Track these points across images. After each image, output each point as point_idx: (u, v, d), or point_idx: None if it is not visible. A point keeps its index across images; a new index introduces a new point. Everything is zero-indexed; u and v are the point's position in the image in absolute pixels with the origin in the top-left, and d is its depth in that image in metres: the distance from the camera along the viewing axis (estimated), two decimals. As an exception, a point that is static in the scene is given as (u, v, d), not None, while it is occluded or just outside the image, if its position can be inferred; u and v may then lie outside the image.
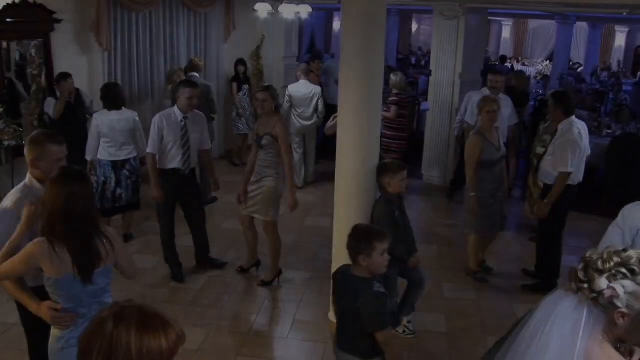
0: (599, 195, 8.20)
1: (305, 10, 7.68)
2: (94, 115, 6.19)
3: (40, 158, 3.13)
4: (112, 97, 6.15)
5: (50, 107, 6.84)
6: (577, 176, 5.52)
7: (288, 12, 7.67)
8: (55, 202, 2.77)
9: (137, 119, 6.34)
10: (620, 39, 20.17)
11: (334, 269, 4.78)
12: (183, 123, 5.41)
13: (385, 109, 7.48)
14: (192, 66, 8.14)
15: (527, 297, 5.60)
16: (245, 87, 9.34)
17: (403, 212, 4.73)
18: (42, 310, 2.91)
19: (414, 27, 23.20)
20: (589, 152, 5.64)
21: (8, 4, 6.69)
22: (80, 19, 7.53)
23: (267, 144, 5.41)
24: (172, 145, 5.39)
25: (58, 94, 6.84)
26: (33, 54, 7.21)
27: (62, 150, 3.19)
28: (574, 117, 5.49)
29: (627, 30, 19.99)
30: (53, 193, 2.79)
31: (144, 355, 1.44)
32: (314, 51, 12.94)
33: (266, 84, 6.56)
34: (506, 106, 6.94)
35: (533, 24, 20.46)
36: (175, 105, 5.44)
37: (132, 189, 6.36)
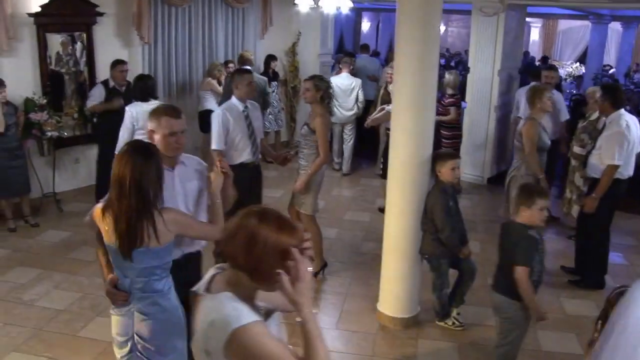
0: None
1: (346, 5, 7.65)
2: (127, 108, 6.01)
3: (156, 130, 3.13)
4: (141, 88, 6.06)
5: (93, 98, 6.90)
6: (627, 170, 5.43)
7: (328, 6, 7.64)
8: (114, 170, 2.77)
9: None
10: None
11: (385, 259, 4.80)
12: (245, 113, 5.20)
13: (441, 109, 7.48)
14: (243, 60, 8.20)
15: (574, 292, 5.54)
16: (275, 83, 9.34)
17: (456, 202, 4.69)
18: (105, 281, 3.01)
19: (442, 28, 23.07)
20: (639, 148, 5.52)
21: (54, -3, 6.78)
22: (122, 12, 7.61)
23: (305, 134, 5.39)
24: (239, 138, 5.13)
25: (111, 82, 6.89)
26: (75, 47, 7.29)
27: (178, 124, 3.14)
28: (622, 110, 5.40)
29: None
30: (116, 160, 2.80)
31: (271, 247, 1.79)
32: (344, 50, 12.97)
33: (317, 74, 6.49)
34: (559, 102, 6.98)
35: (562, 25, 20.23)
36: (233, 97, 5.25)
37: None
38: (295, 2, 8.01)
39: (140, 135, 5.97)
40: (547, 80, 7.01)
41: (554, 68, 7.71)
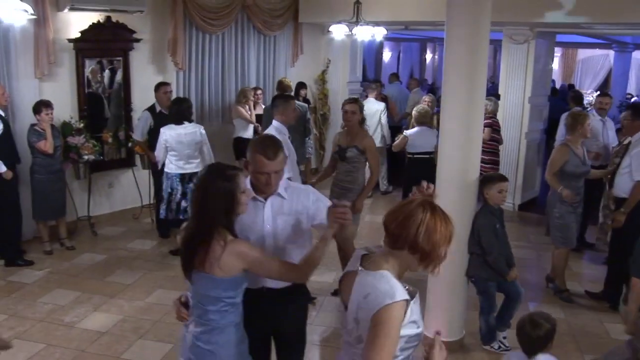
0: None
1: (380, 33, 7.72)
2: (161, 130, 6.22)
3: (250, 163, 2.94)
4: (176, 112, 6.24)
5: (139, 128, 6.94)
6: None
7: (363, 35, 7.71)
8: (193, 192, 2.78)
9: (203, 132, 6.39)
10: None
11: (430, 281, 4.75)
12: (291, 138, 5.31)
13: None
14: (282, 86, 8.31)
15: (617, 317, 5.43)
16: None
17: (502, 225, 4.65)
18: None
19: (428, 56, 23.31)
20: None
21: (94, 23, 6.90)
22: (157, 39, 7.73)
23: (353, 156, 5.40)
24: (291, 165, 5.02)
25: (157, 106, 6.94)
26: (113, 72, 7.39)
27: (269, 165, 2.85)
28: None
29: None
30: (196, 183, 2.81)
31: (444, 235, 2.12)
32: (370, 78, 13.15)
33: (354, 96, 6.60)
34: (612, 128, 7.06)
35: (582, 54, 20.29)
36: (274, 123, 5.26)
37: None
38: (330, 29, 8.08)
39: (172, 156, 6.21)
40: (601, 106, 7.06)
41: (608, 95, 7.71)
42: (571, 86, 15.82)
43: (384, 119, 9.02)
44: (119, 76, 7.41)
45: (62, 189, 6.46)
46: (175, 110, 6.27)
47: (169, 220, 6.45)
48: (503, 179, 4.69)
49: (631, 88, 18.07)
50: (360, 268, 2.23)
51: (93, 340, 4.74)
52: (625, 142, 6.20)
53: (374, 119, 8.84)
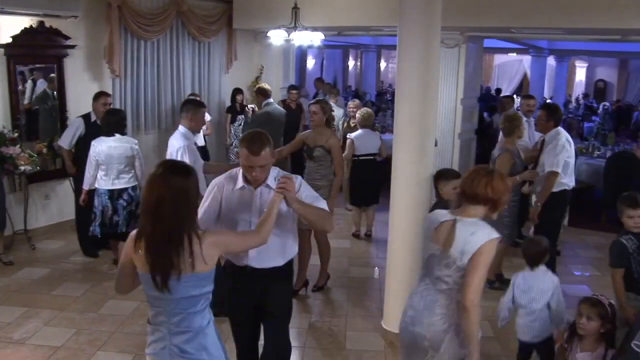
0: (598, 212, 8.53)
1: (318, 38, 7.81)
2: (92, 142, 5.88)
3: (240, 156, 3.20)
4: (107, 123, 5.93)
5: (68, 136, 6.59)
6: (571, 180, 5.86)
7: (300, 39, 7.77)
8: (145, 194, 2.59)
9: (136, 146, 6.02)
10: (580, 74, 21.22)
11: (390, 275, 4.87)
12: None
13: None
14: (264, 91, 8.20)
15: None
16: (241, 117, 9.38)
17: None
18: None
19: (382, 65, 23.79)
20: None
21: (26, 28, 6.65)
22: (93, 45, 7.51)
23: (320, 155, 5.58)
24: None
25: (93, 116, 6.56)
26: (46, 80, 7.13)
27: (255, 160, 3.09)
28: (560, 127, 5.86)
29: (586, 65, 21.06)
30: (148, 183, 2.59)
31: (504, 187, 2.99)
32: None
33: (318, 98, 6.69)
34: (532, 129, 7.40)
35: (498, 60, 21.29)
36: (180, 129, 5.17)
37: (127, 218, 5.97)
38: (267, 35, 8.10)
39: (102, 171, 5.88)
40: (528, 108, 7.43)
41: (533, 97, 8.09)
42: (499, 90, 16.52)
43: (340, 126, 9.00)
44: (53, 84, 7.15)
45: (1, 201, 6.16)
46: (107, 122, 5.92)
47: (106, 234, 6.06)
48: (458, 176, 4.85)
49: (546, 92, 19.14)
50: (457, 217, 2.97)
51: (48, 355, 4.55)
52: (540, 139, 6.59)
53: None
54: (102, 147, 5.83)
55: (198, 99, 7.62)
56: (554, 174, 5.63)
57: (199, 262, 2.56)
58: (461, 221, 2.96)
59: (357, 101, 9.09)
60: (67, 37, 7.06)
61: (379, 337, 4.94)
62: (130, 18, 7.64)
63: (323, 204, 3.29)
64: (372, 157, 7.30)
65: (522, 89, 19.83)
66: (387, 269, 4.95)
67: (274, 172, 3.27)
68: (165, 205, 2.49)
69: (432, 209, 4.73)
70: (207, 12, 9.03)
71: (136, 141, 6.11)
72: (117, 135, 5.90)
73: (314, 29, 7.76)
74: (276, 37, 7.77)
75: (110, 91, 7.63)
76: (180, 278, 2.54)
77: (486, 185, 2.92)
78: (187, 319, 2.64)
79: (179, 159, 4.72)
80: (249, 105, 9.42)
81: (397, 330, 4.73)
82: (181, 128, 5.14)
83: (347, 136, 7.51)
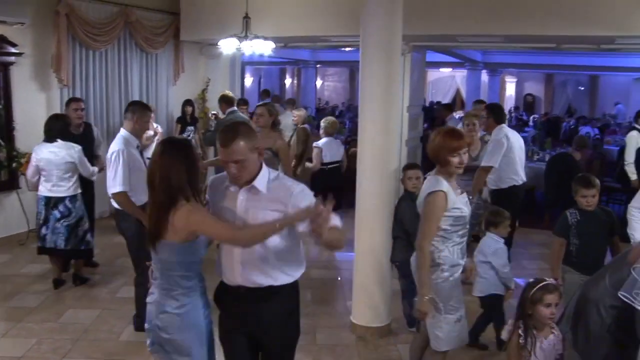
0: (541, 212, 8.94)
1: (269, 47, 7.89)
2: (34, 148, 5.71)
3: None
4: (49, 129, 5.67)
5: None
6: (519, 175, 6.20)
7: (251, 48, 7.81)
8: (149, 169, 2.86)
9: (77, 154, 5.67)
10: (510, 89, 22.20)
11: (358, 269, 4.97)
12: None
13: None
14: (228, 99, 8.11)
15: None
16: (191, 128, 9.35)
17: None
18: None
19: (288, 81, 24.29)
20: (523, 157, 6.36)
21: (-31, 34, 6.46)
22: (40, 53, 7.36)
23: (267, 158, 5.52)
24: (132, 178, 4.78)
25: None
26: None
27: (225, 153, 2.72)
28: (503, 125, 6.14)
29: (515, 80, 22.06)
30: (151, 160, 2.89)
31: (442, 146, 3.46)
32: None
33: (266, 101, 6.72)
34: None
35: (432, 76, 21.99)
36: (122, 132, 4.80)
37: (65, 233, 5.66)
38: (218, 44, 8.10)
39: (43, 177, 5.63)
40: (478, 113, 7.70)
41: (483, 101, 8.38)
42: (438, 103, 17.02)
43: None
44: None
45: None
46: (49, 127, 5.68)
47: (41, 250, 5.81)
48: (413, 166, 5.08)
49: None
50: (428, 174, 3.62)
51: (9, 365, 4.40)
52: (486, 138, 6.91)
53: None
54: (43, 152, 5.60)
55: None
56: (484, 169, 5.92)
57: (169, 231, 2.74)
58: (427, 177, 3.63)
59: (302, 110, 9.22)
60: (13, 45, 6.89)
61: (348, 332, 5.02)
62: (78, 27, 7.54)
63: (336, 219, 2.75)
64: (337, 165, 7.42)
65: (455, 103, 20.52)
66: (354, 263, 5.04)
67: (267, 174, 2.83)
68: (155, 177, 2.76)
69: (399, 202, 4.91)
70: (155, 23, 9.00)
71: (79, 148, 5.73)
72: (59, 141, 5.64)
73: (265, 38, 7.84)
74: (227, 46, 7.78)
75: (57, 101, 7.51)
76: (162, 242, 2.77)
77: (433, 146, 3.52)
78: (170, 279, 2.84)
79: (112, 164, 4.53)
80: (211, 111, 9.34)
81: (367, 323, 4.93)
82: (123, 131, 4.76)
83: (314, 145, 7.58)
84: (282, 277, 2.86)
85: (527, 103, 22.10)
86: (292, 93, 24.42)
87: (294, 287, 2.97)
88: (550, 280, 3.27)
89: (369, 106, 4.81)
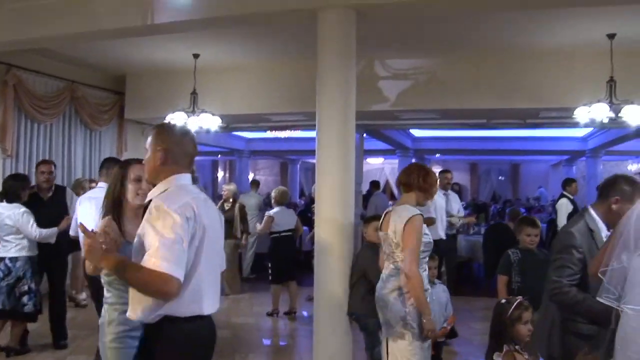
0: (479, 281, 9.27)
1: (216, 124, 8.11)
2: None
3: None
4: (7, 188, 5.59)
5: None
6: (439, 233, 6.95)
7: (197, 124, 7.96)
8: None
9: (18, 216, 5.44)
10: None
11: (318, 320, 5.01)
12: None
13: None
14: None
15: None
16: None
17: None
18: None
19: (220, 174, 24.94)
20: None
21: None
22: (-17, 124, 7.27)
23: None
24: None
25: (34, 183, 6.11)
26: None
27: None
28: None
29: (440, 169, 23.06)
30: None
31: (434, 178, 3.92)
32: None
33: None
34: (455, 201, 8.15)
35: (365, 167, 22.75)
36: (100, 184, 5.05)
37: (5, 294, 5.41)
38: (168, 118, 8.21)
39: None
40: (447, 181, 8.09)
41: (449, 171, 8.68)
42: (377, 183, 17.52)
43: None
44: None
45: None
46: (8, 186, 5.60)
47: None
48: (377, 218, 5.21)
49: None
50: (392, 208, 3.90)
51: None
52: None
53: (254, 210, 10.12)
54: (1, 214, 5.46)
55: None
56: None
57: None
58: (394, 209, 3.88)
59: (233, 185, 9.38)
60: (-43, 113, 6.81)
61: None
62: (25, 98, 7.56)
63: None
64: (290, 233, 7.51)
65: (385, 192, 21.19)
66: (315, 314, 5.07)
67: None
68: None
69: (360, 251, 5.04)
70: (100, 101, 9.12)
71: (23, 210, 5.50)
72: (4, 203, 5.51)
73: (212, 114, 8.05)
74: (175, 121, 7.89)
75: (0, 170, 7.36)
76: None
77: (419, 176, 3.84)
78: None
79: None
80: None
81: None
82: (101, 183, 4.93)
83: (266, 214, 7.70)
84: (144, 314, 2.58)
85: (454, 191, 22.97)
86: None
87: (167, 324, 2.56)
88: (519, 297, 3.34)
89: (324, 166, 5.15)
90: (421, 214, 3.76)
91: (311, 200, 11.13)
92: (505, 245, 8.22)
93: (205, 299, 2.55)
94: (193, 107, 8.04)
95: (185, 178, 2.67)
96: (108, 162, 5.16)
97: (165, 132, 2.73)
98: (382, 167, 22.70)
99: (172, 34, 6.60)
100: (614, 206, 3.07)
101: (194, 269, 2.49)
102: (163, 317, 2.48)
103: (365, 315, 4.89)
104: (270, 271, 7.48)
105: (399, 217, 3.73)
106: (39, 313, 5.61)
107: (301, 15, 5.24)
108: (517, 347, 3.15)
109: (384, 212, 3.99)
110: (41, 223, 5.50)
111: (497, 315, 3.27)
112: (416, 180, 3.83)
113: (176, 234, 2.38)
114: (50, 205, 5.84)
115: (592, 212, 3.19)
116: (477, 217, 10.69)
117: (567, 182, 8.91)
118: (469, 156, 20.11)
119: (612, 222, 3.05)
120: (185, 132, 2.80)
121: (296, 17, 5.38)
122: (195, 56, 7.95)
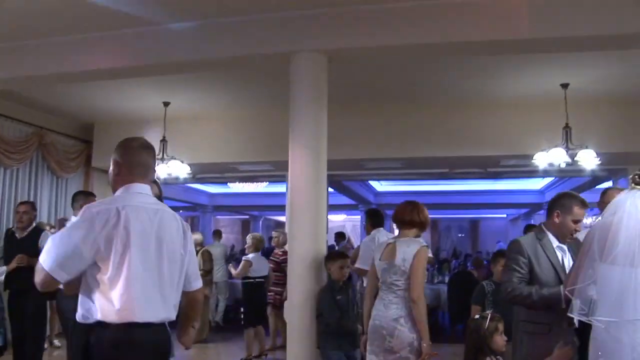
0: (444, 329, 9.37)
1: (184, 171, 8.21)
2: None
3: None
4: None
5: None
6: None
7: (167, 172, 8.03)
8: None
9: None
10: (399, 235, 23.44)
11: (290, 351, 5.01)
12: None
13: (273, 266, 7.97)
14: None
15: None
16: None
17: (347, 295, 5.13)
18: None
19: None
20: None
21: None
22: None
23: None
24: None
25: (14, 224, 6.23)
26: None
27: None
28: (380, 228, 6.61)
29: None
30: None
31: (427, 214, 4.20)
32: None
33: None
34: None
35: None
36: (74, 218, 5.04)
37: None
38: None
39: None
40: None
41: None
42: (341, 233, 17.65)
43: None
44: None
45: None
46: None
47: None
48: (343, 256, 5.31)
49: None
50: (394, 240, 4.17)
51: None
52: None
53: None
54: None
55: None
56: (359, 271, 6.43)
57: None
58: (399, 240, 4.09)
59: (198, 234, 9.41)
60: None
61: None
62: (-8, 142, 7.54)
63: None
64: (262, 280, 7.53)
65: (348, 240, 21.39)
66: (288, 345, 5.12)
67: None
68: None
69: (319, 293, 5.11)
70: (68, 148, 9.15)
71: None
72: None
73: (182, 162, 8.15)
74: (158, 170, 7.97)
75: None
76: None
77: (419, 213, 4.13)
78: None
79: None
80: None
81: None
82: (73, 218, 4.90)
83: (244, 258, 7.69)
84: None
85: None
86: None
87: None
88: (488, 312, 3.57)
89: (299, 208, 5.30)
90: (427, 246, 4.08)
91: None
92: (470, 292, 8.46)
93: (138, 305, 2.50)
94: (162, 154, 8.12)
95: (139, 188, 2.78)
96: (78, 196, 5.42)
97: (121, 146, 2.89)
98: (343, 224, 22.96)
99: (143, 78, 6.74)
100: (556, 219, 3.48)
101: (119, 273, 2.49)
102: (96, 322, 2.50)
103: (327, 348, 4.95)
104: (243, 316, 7.47)
105: (408, 247, 3.98)
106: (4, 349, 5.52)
107: (274, 59, 5.46)
108: (497, 357, 3.31)
109: (386, 244, 4.23)
110: (10, 261, 5.60)
111: (474, 331, 3.42)
112: (416, 217, 4.12)
113: (69, 231, 2.58)
114: (21, 245, 5.88)
115: (544, 228, 3.56)
116: (440, 268, 10.92)
117: (529, 228, 9.20)
118: (431, 211, 20.35)
119: (559, 234, 3.50)
120: (141, 145, 2.89)
121: (269, 61, 5.60)
122: (166, 104, 8.11)
